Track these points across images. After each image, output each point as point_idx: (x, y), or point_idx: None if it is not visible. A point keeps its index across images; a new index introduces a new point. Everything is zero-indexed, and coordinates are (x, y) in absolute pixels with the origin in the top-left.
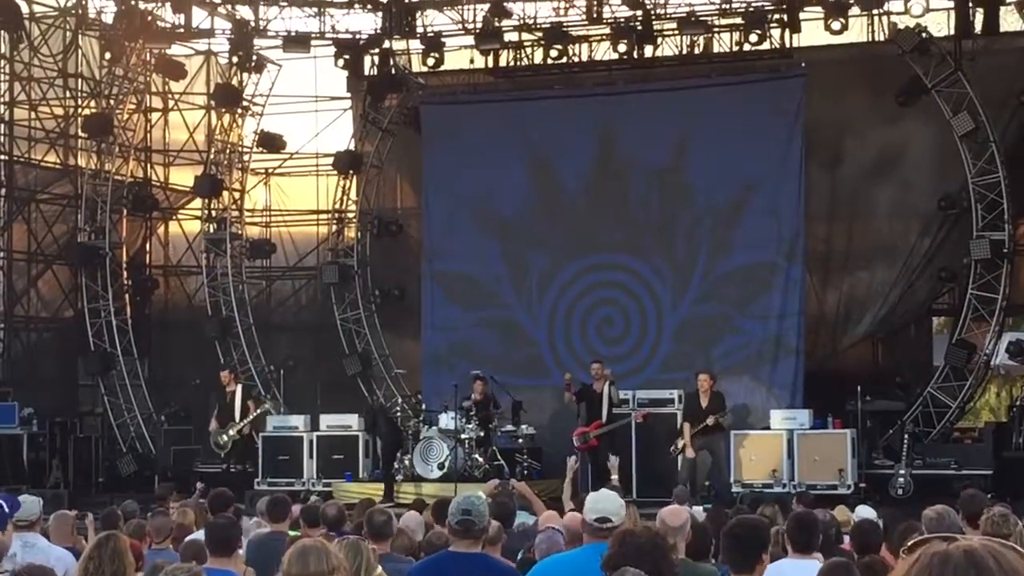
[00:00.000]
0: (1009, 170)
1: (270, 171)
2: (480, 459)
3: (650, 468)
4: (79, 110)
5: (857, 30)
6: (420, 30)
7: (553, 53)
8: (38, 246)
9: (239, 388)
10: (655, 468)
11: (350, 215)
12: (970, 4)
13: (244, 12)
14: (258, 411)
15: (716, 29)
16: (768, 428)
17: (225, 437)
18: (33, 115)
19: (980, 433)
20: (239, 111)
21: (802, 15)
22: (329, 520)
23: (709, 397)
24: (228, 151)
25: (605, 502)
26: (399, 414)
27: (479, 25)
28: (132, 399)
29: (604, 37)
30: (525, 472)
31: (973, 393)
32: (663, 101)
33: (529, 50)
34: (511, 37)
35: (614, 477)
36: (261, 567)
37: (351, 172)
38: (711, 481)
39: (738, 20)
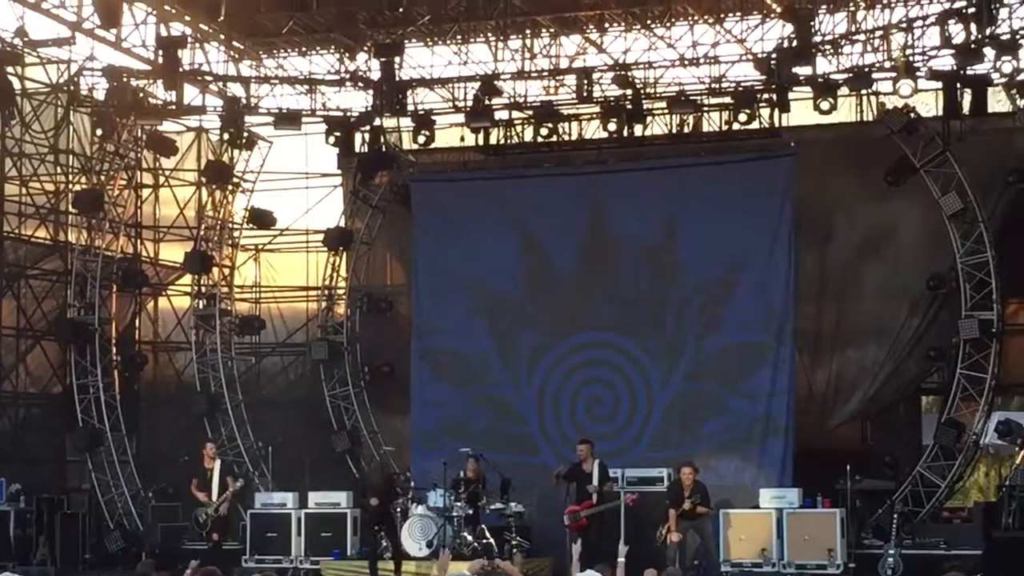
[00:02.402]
0: (998, 250)
1: (260, 247)
2: (469, 537)
3: (640, 548)
4: (70, 186)
5: (846, 110)
6: (411, 108)
7: (543, 131)
8: (27, 322)
9: (218, 464)
10: (645, 548)
11: (340, 292)
12: (958, 85)
13: (235, 89)
14: (228, 492)
15: (705, 108)
16: (757, 507)
17: (204, 516)
18: (24, 191)
19: (969, 513)
20: (230, 187)
21: (791, 95)
22: None
23: (692, 489)
24: (218, 227)
25: None
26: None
27: (470, 103)
28: (120, 475)
29: (594, 116)
30: (514, 550)
31: (962, 473)
32: (653, 179)
33: (519, 128)
34: (501, 115)
35: (621, 560)
36: None
37: (341, 249)
38: (699, 560)
39: (727, 99)
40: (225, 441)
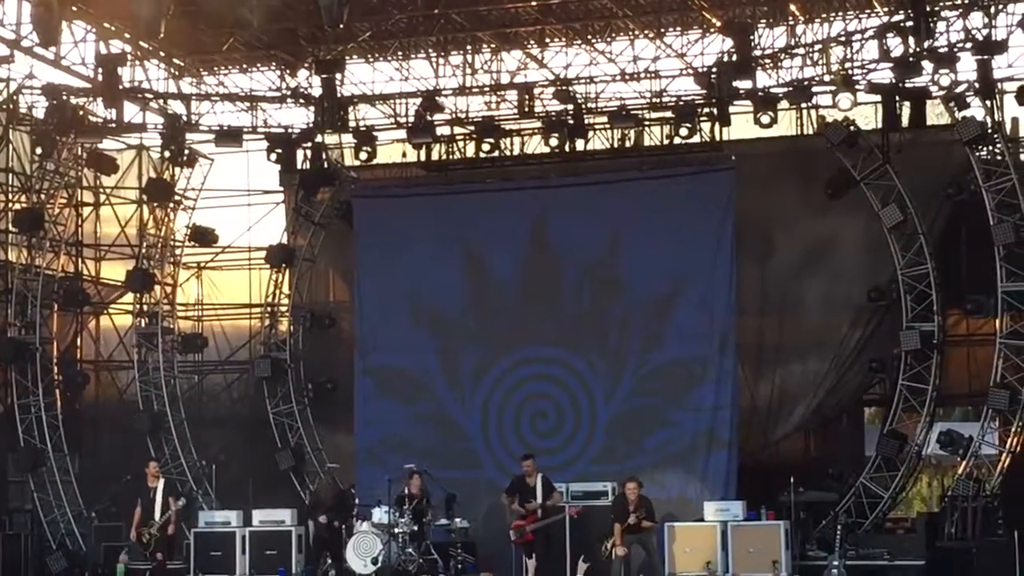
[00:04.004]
0: (938, 261)
1: (202, 265)
2: (414, 554)
3: (589, 562)
4: (9, 205)
5: (786, 123)
6: (352, 124)
7: (485, 147)
8: None
9: (161, 483)
10: (591, 562)
11: (283, 309)
12: (897, 98)
13: (176, 106)
14: (169, 512)
15: (647, 122)
16: (702, 520)
17: (146, 536)
18: None
19: (912, 523)
20: (171, 205)
21: (731, 109)
22: None
23: (637, 504)
24: (160, 245)
25: None
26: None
27: (411, 119)
28: (62, 495)
29: (536, 131)
30: (460, 566)
31: (905, 483)
32: (595, 194)
33: (461, 144)
34: (443, 131)
35: None
36: None
37: (284, 266)
38: (644, 574)
39: (668, 114)
40: (168, 459)
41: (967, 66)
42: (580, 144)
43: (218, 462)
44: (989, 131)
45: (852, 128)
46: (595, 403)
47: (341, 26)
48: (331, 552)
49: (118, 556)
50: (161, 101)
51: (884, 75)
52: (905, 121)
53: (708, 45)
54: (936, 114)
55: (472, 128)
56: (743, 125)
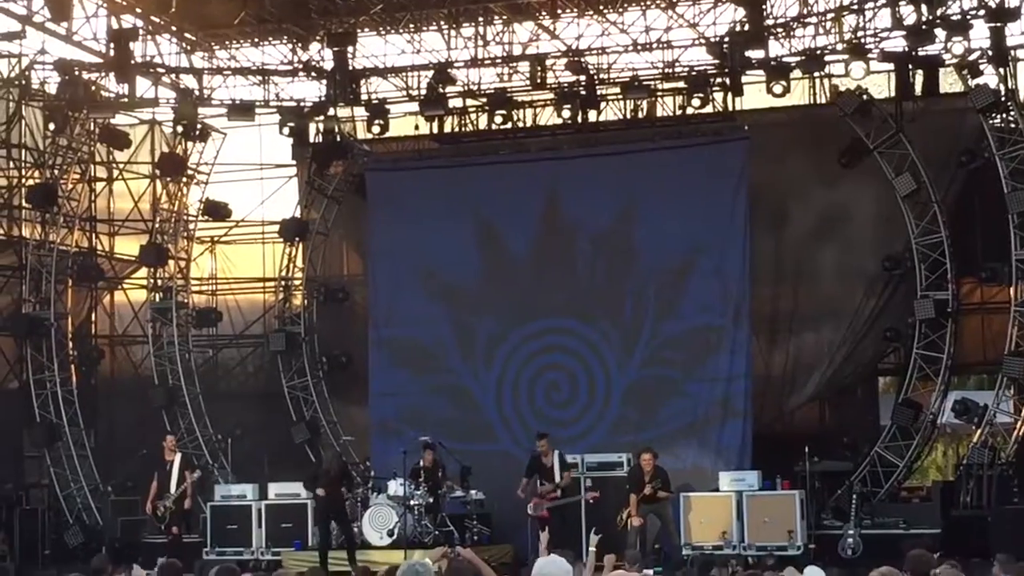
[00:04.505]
0: (951, 229)
1: (216, 239)
2: (429, 525)
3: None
4: (23, 180)
5: (799, 93)
6: (365, 97)
7: (497, 119)
8: None
9: (178, 457)
10: (606, 532)
11: (296, 282)
12: (910, 66)
13: (188, 81)
14: (185, 484)
15: (659, 93)
16: (717, 490)
17: (161, 510)
18: None
19: (928, 492)
20: (184, 179)
21: (744, 78)
22: None
23: (652, 475)
24: (173, 220)
25: (551, 567)
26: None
27: (423, 92)
28: (78, 470)
29: (548, 102)
30: (475, 538)
31: (920, 452)
32: (608, 165)
33: (474, 116)
34: (455, 103)
35: (592, 548)
36: None
37: (297, 239)
38: (660, 544)
39: (681, 84)
40: (184, 434)
41: (980, 33)
42: (593, 115)
43: (233, 436)
44: (1002, 99)
45: (865, 97)
46: (610, 374)
47: None
48: (336, 520)
49: (135, 530)
50: (173, 75)
51: (897, 43)
52: (918, 89)
53: (720, 15)
54: (949, 82)
55: (484, 100)
56: (756, 95)
